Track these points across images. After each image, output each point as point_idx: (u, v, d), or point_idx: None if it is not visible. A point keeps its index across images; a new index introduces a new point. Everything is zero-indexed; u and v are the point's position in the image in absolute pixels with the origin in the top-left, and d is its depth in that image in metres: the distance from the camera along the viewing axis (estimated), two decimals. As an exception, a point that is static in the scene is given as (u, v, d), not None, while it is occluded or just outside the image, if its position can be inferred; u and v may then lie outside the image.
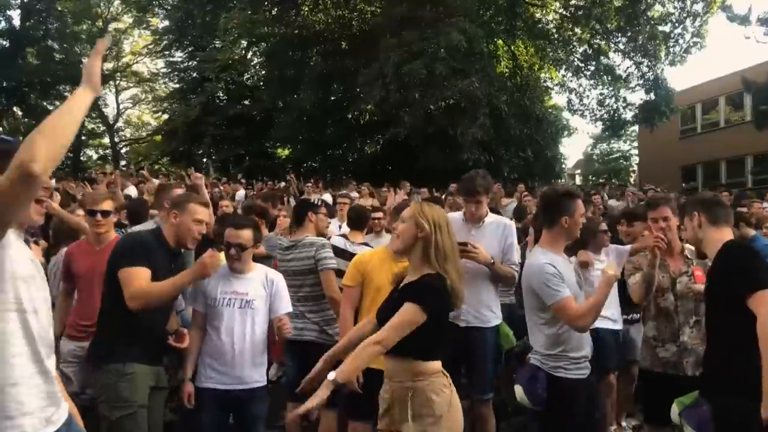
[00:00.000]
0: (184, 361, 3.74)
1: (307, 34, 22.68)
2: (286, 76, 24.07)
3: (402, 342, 2.70)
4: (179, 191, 4.98)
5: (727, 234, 3.19)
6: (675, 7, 23.46)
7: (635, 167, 36.81)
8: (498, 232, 4.39)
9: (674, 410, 3.17)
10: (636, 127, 29.47)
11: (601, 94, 25.77)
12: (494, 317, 4.35)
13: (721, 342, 3.00)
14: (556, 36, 24.50)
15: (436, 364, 2.78)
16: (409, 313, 2.66)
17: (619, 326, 5.07)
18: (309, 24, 24.18)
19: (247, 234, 3.74)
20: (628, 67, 24.84)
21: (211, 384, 3.64)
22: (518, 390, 3.44)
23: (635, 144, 37.27)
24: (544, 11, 24.55)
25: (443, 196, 12.82)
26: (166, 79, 31.51)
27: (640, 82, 24.35)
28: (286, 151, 29.71)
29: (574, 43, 24.94)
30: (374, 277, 3.88)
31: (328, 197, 12.82)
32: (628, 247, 5.13)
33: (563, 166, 27.24)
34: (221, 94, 28.07)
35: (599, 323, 4.11)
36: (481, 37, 18.45)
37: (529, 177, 20.35)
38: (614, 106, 25.19)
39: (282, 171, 24.35)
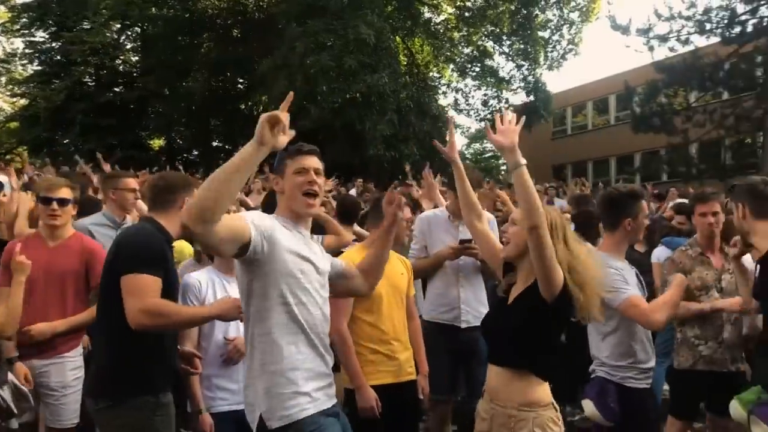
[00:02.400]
0: (191, 388, 3.10)
1: (197, 18, 21.38)
2: (173, 61, 22.57)
3: (521, 346, 2.51)
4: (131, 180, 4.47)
5: None
6: (554, 15, 25.03)
7: (506, 166, 38.67)
8: None
9: (736, 407, 3.05)
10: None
11: (485, 94, 27.06)
12: None
13: None
14: (445, 36, 25.14)
15: (548, 392, 2.55)
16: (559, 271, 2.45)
17: None
18: (201, 8, 22.85)
19: None
20: (510, 70, 26.24)
21: (226, 406, 3.11)
22: (588, 405, 3.20)
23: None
24: (436, 11, 25.07)
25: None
26: (25, 61, 28.39)
27: (522, 84, 25.80)
28: (160, 142, 28.06)
29: (461, 44, 25.78)
30: None
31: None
32: None
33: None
34: (90, 80, 25.83)
35: None
36: (387, 32, 18.42)
37: (426, 174, 20.49)
38: (497, 107, 26.34)
39: (156, 162, 22.92)
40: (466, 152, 44.16)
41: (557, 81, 60.15)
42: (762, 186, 3.11)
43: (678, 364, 3.92)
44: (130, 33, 27.14)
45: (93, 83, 25.78)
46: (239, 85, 23.77)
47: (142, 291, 2.55)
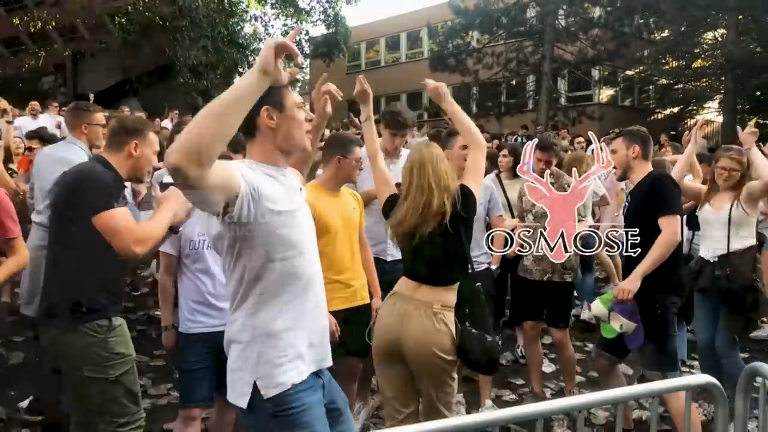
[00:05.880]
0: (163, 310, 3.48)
1: None
2: None
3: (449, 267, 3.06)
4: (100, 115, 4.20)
5: (648, 167, 3.80)
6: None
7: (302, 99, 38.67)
8: None
9: (598, 305, 3.87)
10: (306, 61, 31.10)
11: (284, 24, 26.48)
12: None
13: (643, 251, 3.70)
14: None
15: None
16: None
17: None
18: None
19: None
20: (311, 1, 25.99)
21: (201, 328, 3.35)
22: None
23: (303, 77, 39.30)
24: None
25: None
26: None
27: (322, 17, 25.80)
28: None
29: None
30: (328, 220, 3.53)
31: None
32: None
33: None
34: None
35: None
36: (198, -49, 17.09)
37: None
38: (298, 39, 25.97)
39: None
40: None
41: (357, 16, 60.69)
42: (647, 134, 3.89)
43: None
44: None
45: None
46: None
47: (124, 225, 2.68)
